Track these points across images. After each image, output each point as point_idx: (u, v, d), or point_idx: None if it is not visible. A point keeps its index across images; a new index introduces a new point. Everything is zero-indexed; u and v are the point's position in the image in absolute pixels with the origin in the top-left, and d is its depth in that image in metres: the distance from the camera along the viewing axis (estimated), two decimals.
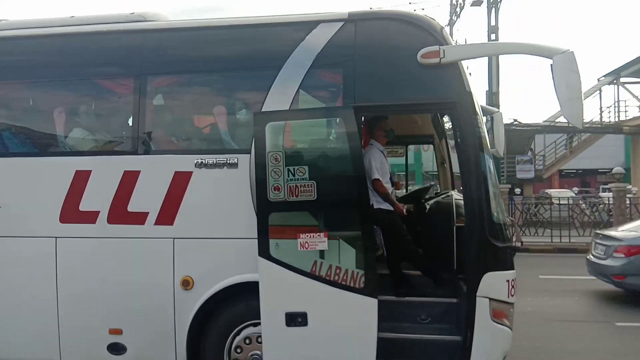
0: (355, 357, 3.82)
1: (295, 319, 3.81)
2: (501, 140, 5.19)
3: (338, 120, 3.92)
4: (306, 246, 3.78)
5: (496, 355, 3.87)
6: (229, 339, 4.16)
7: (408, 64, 3.94)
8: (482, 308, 3.78)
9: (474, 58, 4.05)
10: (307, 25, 4.14)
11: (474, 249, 3.83)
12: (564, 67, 3.58)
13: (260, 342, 4.02)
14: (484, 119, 4.16)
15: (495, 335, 3.84)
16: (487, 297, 3.79)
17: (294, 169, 3.82)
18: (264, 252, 3.84)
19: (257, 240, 3.93)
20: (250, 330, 4.12)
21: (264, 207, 3.85)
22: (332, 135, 4.08)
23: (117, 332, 4.24)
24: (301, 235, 3.79)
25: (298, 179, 3.81)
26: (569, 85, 3.57)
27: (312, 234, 3.79)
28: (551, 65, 3.63)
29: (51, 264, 4.29)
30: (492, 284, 3.80)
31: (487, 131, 4.12)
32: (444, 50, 3.84)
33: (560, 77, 3.58)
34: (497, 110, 5.13)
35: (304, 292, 3.83)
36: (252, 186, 4.00)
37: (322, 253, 3.80)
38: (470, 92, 3.91)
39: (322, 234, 3.78)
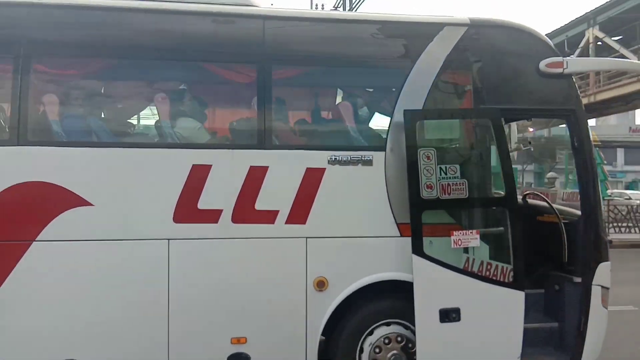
0: (504, 348, 4.01)
1: (450, 315, 3.88)
2: None
3: (487, 121, 4.06)
4: (459, 243, 3.88)
5: (602, 336, 4.32)
6: (361, 340, 4.06)
7: (531, 71, 4.22)
8: (596, 295, 4.20)
9: (591, 71, 4.47)
10: (434, 27, 4.21)
11: (591, 243, 4.23)
12: None
13: (399, 342, 4.02)
14: None
15: (603, 318, 4.28)
16: (599, 285, 4.22)
17: (445, 167, 3.89)
18: (418, 250, 3.85)
19: (396, 238, 3.96)
20: (384, 330, 4.07)
21: (417, 205, 3.86)
22: (480, 136, 4.21)
23: (241, 341, 3.90)
24: (454, 232, 3.88)
25: (450, 178, 3.89)
26: None
27: (464, 232, 3.90)
28: None
29: (162, 269, 3.80)
30: (603, 273, 4.24)
31: None
32: (567, 62, 4.19)
33: None
34: None
35: (457, 289, 3.92)
36: (388, 184, 3.98)
37: (473, 250, 3.93)
38: (582, 101, 4.32)
39: (474, 231, 3.91)
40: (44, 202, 3.71)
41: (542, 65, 4.18)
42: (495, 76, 4.22)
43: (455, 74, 4.26)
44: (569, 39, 23.15)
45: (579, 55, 20.88)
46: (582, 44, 22.45)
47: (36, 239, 3.67)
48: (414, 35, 4.24)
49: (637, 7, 19.94)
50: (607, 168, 26.78)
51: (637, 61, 4.07)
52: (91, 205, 3.73)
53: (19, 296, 3.65)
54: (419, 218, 3.87)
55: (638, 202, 19.31)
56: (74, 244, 3.72)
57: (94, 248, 3.75)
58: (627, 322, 6.88)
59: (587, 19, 21.88)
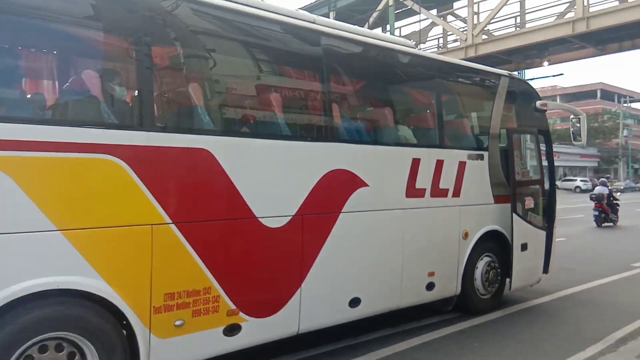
0: (540, 265, 7.08)
1: (524, 247, 6.75)
2: (585, 135, 7.32)
3: (538, 135, 7.04)
4: (528, 206, 6.79)
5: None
6: (475, 268, 6.55)
7: (532, 107, 7.36)
8: (555, 232, 7.67)
9: (557, 110, 7.86)
10: (498, 76, 6.98)
11: (554, 203, 7.65)
12: (584, 121, 7.85)
13: (491, 266, 6.67)
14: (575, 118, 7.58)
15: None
16: (556, 227, 7.73)
17: (522, 162, 6.73)
18: (514, 210, 6.60)
19: (492, 205, 6.62)
20: (483, 262, 6.63)
21: (515, 183, 6.60)
22: (533, 142, 7.12)
23: (432, 274, 5.96)
24: (525, 199, 6.77)
25: (524, 168, 6.75)
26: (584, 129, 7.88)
27: (529, 198, 6.82)
28: (579, 119, 7.81)
29: (400, 229, 5.58)
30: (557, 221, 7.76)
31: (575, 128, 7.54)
32: (547, 103, 7.50)
33: (583, 126, 7.82)
34: (583, 113, 7.58)
35: (526, 232, 6.80)
36: (490, 171, 6.58)
37: (530, 209, 6.88)
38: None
39: (532, 198, 6.87)
40: (344, 184, 5.07)
41: (538, 104, 7.36)
42: (521, 109, 7.22)
43: (507, 106, 7.09)
44: None
45: (379, 17, 22.53)
46: (380, 7, 22.17)
47: (342, 211, 5.03)
48: (491, 79, 6.93)
49: None
50: None
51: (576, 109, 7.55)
52: (368, 186, 5.25)
53: (334, 249, 4.94)
54: (515, 192, 6.62)
55: None
56: (360, 213, 5.18)
57: (369, 216, 5.28)
58: None
59: None
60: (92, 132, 3.56)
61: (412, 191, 5.70)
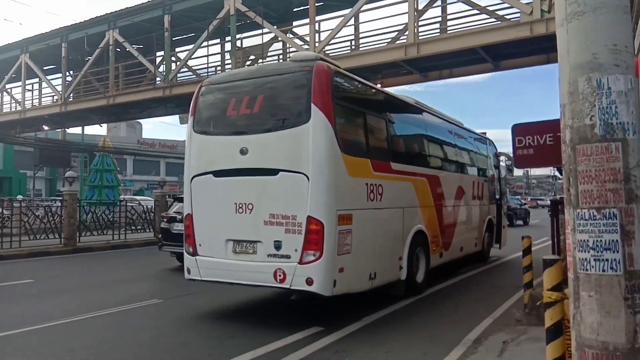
0: (506, 236, 13.65)
1: (504, 227, 13.30)
2: (514, 171, 15.58)
3: (501, 170, 13.63)
4: (504, 207, 13.40)
5: None
6: (484, 237, 12.76)
7: (495, 153, 14.04)
8: None
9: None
10: (486, 139, 13.47)
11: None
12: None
13: (490, 237, 13.03)
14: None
15: None
16: None
17: (500, 184, 13.35)
18: (500, 208, 13.10)
19: (491, 205, 13.05)
20: (487, 234, 12.90)
21: (500, 195, 13.11)
22: (501, 173, 13.65)
23: (477, 239, 12.03)
24: (502, 203, 13.33)
25: (501, 187, 13.36)
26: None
27: (504, 202, 13.40)
28: (511, 161, 14.70)
29: (472, 214, 11.59)
30: None
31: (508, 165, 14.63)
32: (500, 153, 14.26)
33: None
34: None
35: (504, 220, 13.32)
36: (489, 188, 12.98)
37: (503, 208, 13.47)
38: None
39: (504, 203, 13.47)
40: (460, 192, 10.89)
41: (497, 152, 14.09)
42: (493, 156, 13.79)
43: (490, 154, 13.57)
44: (89, 36, 22.62)
45: (99, 56, 22.01)
46: (102, 44, 22.18)
47: (461, 205, 10.85)
48: (485, 142, 13.38)
49: (156, 19, 20.51)
50: (120, 176, 29.55)
51: None
52: (465, 194, 11.16)
53: (460, 219, 10.70)
54: (500, 198, 13.13)
55: (148, 205, 21.17)
56: (464, 206, 11.03)
57: (467, 207, 11.15)
58: (153, 316, 7.31)
59: (108, 21, 21.53)
60: (418, 169, 8.95)
61: (473, 196, 11.76)
